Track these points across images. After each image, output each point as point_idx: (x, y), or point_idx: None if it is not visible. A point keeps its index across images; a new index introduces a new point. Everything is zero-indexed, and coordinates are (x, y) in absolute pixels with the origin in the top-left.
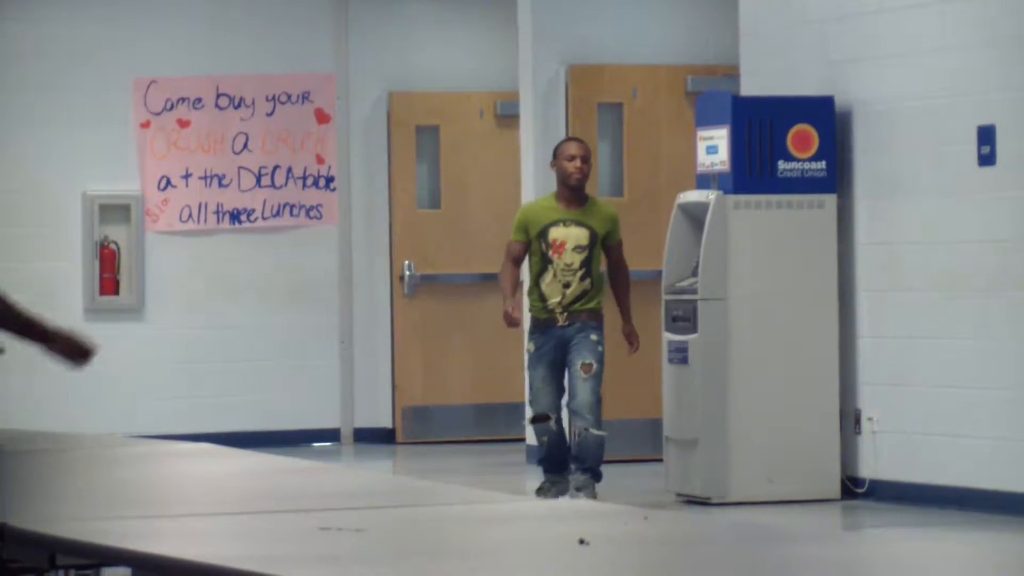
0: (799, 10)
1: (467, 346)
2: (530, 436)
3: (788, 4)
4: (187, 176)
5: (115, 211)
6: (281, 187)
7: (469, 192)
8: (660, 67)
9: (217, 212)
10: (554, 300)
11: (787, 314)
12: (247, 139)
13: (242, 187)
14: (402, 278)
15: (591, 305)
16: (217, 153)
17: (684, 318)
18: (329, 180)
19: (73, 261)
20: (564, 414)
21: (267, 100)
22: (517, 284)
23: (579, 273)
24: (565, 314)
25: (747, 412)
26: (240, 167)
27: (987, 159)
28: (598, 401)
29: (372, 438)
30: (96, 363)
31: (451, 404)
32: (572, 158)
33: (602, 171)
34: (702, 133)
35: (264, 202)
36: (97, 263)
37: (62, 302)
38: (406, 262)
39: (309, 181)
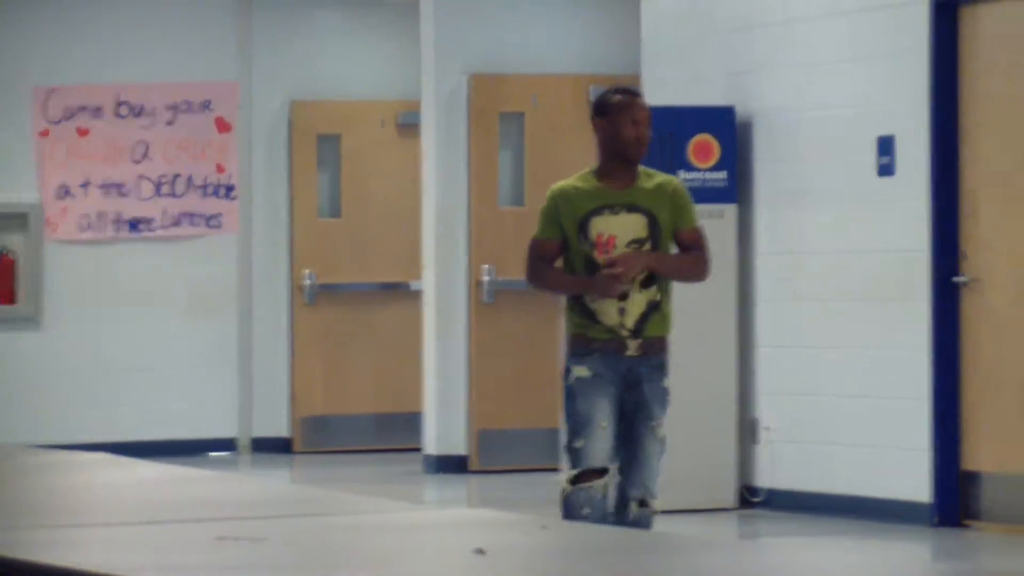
0: (704, 20)
1: (367, 355)
2: (429, 444)
3: (692, 14)
4: (86, 185)
5: (13, 220)
6: (181, 196)
7: (370, 201)
8: (562, 76)
9: (116, 221)
10: (611, 319)
11: (686, 323)
12: (147, 148)
13: (142, 196)
14: (302, 287)
15: (663, 330)
16: (117, 162)
17: None
18: (229, 189)
19: None
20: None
21: (168, 109)
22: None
23: (639, 279)
24: (638, 341)
25: None
26: (140, 176)
27: (886, 169)
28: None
29: (269, 447)
30: None
31: (350, 413)
32: (636, 122)
33: (503, 180)
34: None
35: (164, 211)
36: None
37: None
38: (306, 271)
39: (209, 190)
